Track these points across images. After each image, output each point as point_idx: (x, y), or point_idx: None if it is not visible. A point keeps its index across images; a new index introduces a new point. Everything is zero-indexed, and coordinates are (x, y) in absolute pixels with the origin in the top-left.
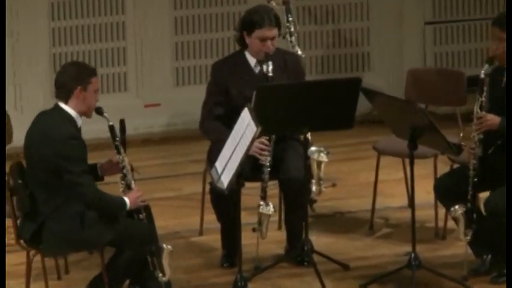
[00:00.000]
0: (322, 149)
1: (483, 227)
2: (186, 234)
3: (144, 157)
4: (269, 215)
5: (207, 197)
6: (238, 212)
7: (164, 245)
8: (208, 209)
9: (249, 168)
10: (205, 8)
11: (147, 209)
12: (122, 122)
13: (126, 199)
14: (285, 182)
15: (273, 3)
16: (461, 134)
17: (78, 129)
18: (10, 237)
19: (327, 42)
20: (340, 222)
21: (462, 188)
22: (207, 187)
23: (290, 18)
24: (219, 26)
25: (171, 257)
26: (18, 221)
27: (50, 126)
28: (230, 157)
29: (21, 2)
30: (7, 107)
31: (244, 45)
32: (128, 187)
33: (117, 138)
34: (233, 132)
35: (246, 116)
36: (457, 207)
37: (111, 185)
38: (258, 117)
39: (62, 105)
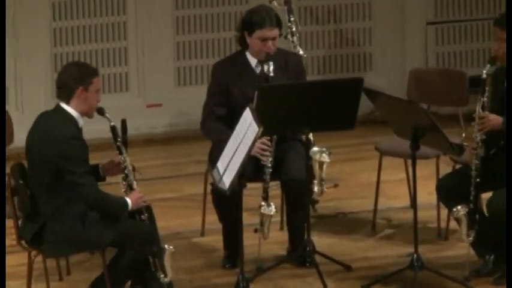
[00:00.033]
0: (324, 149)
1: (485, 228)
2: (188, 234)
3: (146, 157)
4: (271, 216)
5: (209, 197)
6: (240, 213)
7: (166, 246)
8: (210, 210)
9: (251, 169)
10: (207, 7)
11: (148, 209)
12: (124, 122)
13: (128, 200)
14: (287, 183)
15: (275, 3)
16: (463, 134)
17: (80, 130)
18: (11, 238)
19: (328, 42)
20: (342, 223)
21: (464, 189)
22: (209, 188)
23: (292, 18)
24: (221, 26)
25: (172, 257)
26: (20, 222)
27: (51, 126)
28: (232, 158)
29: (23, 2)
30: (8, 107)
31: (245, 46)
32: (130, 188)
33: (119, 139)
34: (235, 132)
35: (247, 116)
36: (459, 207)
37: (112, 186)
38: (259, 118)
39: (64, 105)
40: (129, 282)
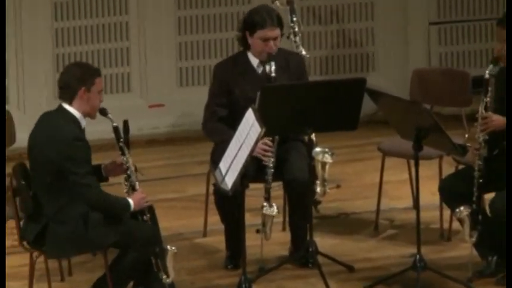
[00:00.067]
0: (326, 150)
1: (488, 229)
2: (190, 235)
3: (149, 158)
4: (273, 216)
5: (211, 198)
6: (242, 213)
7: (168, 247)
8: (212, 210)
9: (253, 170)
10: (209, 8)
11: (151, 210)
12: (126, 123)
13: (130, 200)
14: (289, 183)
15: (277, 4)
16: (466, 135)
17: (82, 130)
18: (13, 239)
19: (331, 43)
20: (345, 224)
21: (467, 189)
22: (211, 188)
23: (294, 19)
24: (223, 26)
25: (175, 258)
26: (22, 222)
27: (53, 127)
28: (234, 158)
29: (24, 2)
30: (10, 107)
31: (246, 46)
32: (132, 188)
33: (121, 139)
34: (237, 133)
35: (250, 116)
36: (462, 208)
37: (115, 186)
38: (262, 118)
39: (66, 106)
40: (131, 283)
